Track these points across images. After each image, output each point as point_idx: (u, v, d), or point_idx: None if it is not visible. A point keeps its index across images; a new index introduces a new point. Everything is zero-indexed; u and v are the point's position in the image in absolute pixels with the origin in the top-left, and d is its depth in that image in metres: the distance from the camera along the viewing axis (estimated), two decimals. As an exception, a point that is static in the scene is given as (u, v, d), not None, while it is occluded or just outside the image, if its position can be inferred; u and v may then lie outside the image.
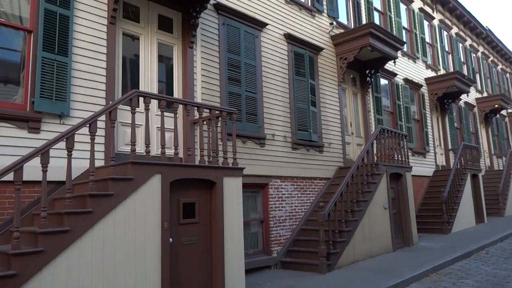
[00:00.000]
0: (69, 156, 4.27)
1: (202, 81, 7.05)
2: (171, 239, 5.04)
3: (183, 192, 5.34)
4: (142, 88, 6.36)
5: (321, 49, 9.82)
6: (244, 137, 7.61)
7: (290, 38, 9.00)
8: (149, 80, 6.47)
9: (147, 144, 4.96)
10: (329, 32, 10.30)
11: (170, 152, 6.36)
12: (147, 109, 5.00)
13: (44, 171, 4.05)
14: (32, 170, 4.73)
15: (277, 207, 8.10)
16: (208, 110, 5.88)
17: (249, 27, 8.12)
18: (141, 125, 6.24)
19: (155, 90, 6.51)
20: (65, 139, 4.26)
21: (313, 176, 9.05)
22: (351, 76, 11.20)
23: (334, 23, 10.35)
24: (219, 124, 6.56)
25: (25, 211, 4.82)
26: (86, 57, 5.62)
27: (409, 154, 12.47)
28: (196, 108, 5.80)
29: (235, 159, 5.99)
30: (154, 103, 6.42)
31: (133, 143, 4.83)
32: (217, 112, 5.96)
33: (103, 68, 5.78)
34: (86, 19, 5.68)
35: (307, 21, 9.70)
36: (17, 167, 3.87)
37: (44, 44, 5.16)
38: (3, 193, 4.72)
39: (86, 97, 5.55)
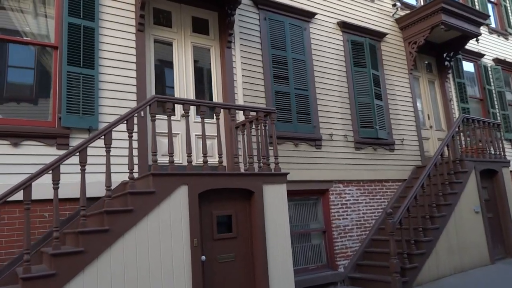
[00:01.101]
0: (83, 171, 3.99)
1: (243, 82, 6.51)
2: (204, 257, 4.51)
3: (217, 204, 4.80)
4: (177, 95, 6.02)
5: (383, 35, 8.70)
6: (296, 139, 6.88)
7: (345, 26, 8.08)
8: (184, 86, 6.11)
9: (171, 153, 4.52)
10: (393, 15, 9.12)
11: (213, 160, 5.91)
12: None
13: (55, 189, 3.80)
14: (67, 187, 4.57)
15: (341, 215, 7.18)
16: (243, 112, 5.30)
17: (295, 19, 7.42)
18: (178, 133, 5.88)
19: (191, 96, 6.13)
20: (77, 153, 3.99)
21: (384, 178, 7.93)
22: (425, 62, 9.81)
23: (398, 3, 9.14)
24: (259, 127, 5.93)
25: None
26: (114, 68, 5.42)
27: (508, 146, 10.54)
28: (227, 110, 5.27)
29: (277, 164, 5.31)
30: (191, 110, 6.03)
31: (154, 153, 4.43)
32: (253, 113, 5.36)
33: (132, 77, 5.54)
34: (112, 29, 5.50)
35: (364, 6, 8.67)
36: (25, 185, 3.67)
37: (69, 58, 5.05)
38: (34, 212, 4.62)
39: (116, 108, 5.33)
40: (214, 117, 6.11)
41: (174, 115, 5.90)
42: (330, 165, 7.21)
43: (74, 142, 4.97)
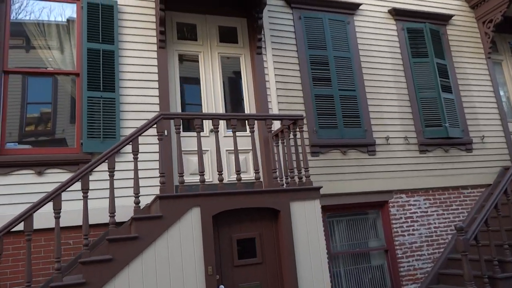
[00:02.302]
0: (85, 198, 3.83)
1: (277, 88, 5.98)
2: (222, 286, 4.05)
3: (237, 226, 4.32)
4: (205, 109, 5.71)
5: (449, 17, 7.49)
6: (344, 146, 6.11)
7: (398, 13, 7.10)
8: (212, 99, 5.78)
9: (181, 172, 4.17)
10: (460, -8, 7.84)
11: (247, 176, 5.48)
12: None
13: (57, 218, 3.68)
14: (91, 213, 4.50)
15: (406, 231, 6.16)
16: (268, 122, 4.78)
17: (336, 13, 6.70)
18: (208, 150, 5.56)
19: (220, 109, 5.78)
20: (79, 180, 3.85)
21: (460, 185, 6.69)
22: (509, 42, 8.25)
23: (465, -21, 7.84)
24: (292, 136, 5.35)
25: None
26: (136, 88, 5.31)
27: None
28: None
29: (308, 177, 4.66)
30: (220, 124, 5.68)
31: (162, 174, 4.12)
32: (278, 122, 4.81)
33: (155, 96, 5.37)
34: (132, 49, 5.42)
35: (422, -13, 7.58)
36: (26, 215, 3.60)
37: (88, 84, 5.05)
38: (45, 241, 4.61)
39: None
40: (248, 129, 5.77)
41: (203, 131, 5.58)
42: (387, 173, 6.27)
43: (97, 168, 4.91)
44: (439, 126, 6.73)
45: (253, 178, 5.67)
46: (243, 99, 5.97)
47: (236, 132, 5.63)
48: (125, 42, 5.41)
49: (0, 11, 4.95)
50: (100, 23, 5.27)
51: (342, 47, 6.54)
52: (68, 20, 5.32)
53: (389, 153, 6.38)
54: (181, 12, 5.92)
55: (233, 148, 5.64)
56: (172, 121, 5.40)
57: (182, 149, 5.45)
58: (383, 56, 6.85)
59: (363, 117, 6.35)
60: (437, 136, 6.71)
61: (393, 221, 6.12)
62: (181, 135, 5.48)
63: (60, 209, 3.72)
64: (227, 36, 6.14)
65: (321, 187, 4.62)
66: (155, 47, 5.53)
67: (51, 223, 4.45)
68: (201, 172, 4.24)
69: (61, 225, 4.51)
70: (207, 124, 5.67)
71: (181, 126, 5.16)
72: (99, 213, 4.71)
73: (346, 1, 6.74)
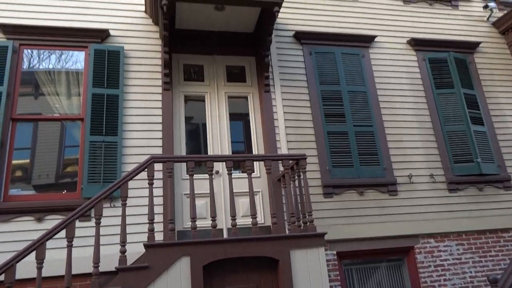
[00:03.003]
0: (69, 247, 3.69)
1: (286, 126, 5.73)
2: None
3: (231, 278, 3.98)
4: (211, 150, 5.54)
5: (476, 44, 7.00)
6: (361, 186, 5.66)
7: (418, 43, 6.73)
8: (218, 140, 5.62)
9: (170, 220, 3.95)
10: (488, 18, 7.34)
11: (246, 221, 5.17)
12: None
13: (39, 268, 3.55)
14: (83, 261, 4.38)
15: (436, 281, 5.49)
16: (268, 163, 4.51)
17: (349, 47, 6.45)
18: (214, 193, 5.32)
19: (227, 150, 5.58)
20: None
21: (499, 228, 5.95)
22: (549, 67, 7.55)
23: (492, 3, 7.34)
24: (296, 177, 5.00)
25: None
26: (139, 131, 5.26)
27: None
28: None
29: (311, 222, 4.28)
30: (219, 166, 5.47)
31: (151, 220, 3.92)
32: (279, 162, 4.52)
33: (158, 138, 5.29)
34: (137, 92, 5.44)
35: (444, 15, 7.19)
36: (7, 266, 3.50)
37: (92, 128, 5.07)
38: (55, 290, 4.47)
39: (142, 173, 5.08)
40: (258, 171, 5.53)
41: (213, 173, 5.39)
42: (412, 215, 5.70)
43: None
44: (470, 162, 6.12)
45: (262, 222, 5.35)
46: (251, 139, 5.76)
47: (243, 174, 5.41)
48: (130, 86, 5.44)
49: (12, 61, 5.17)
50: (106, 69, 5.36)
51: (356, 81, 6.23)
52: (76, 67, 5.45)
53: (413, 193, 5.83)
54: (189, 54, 5.93)
55: (238, 191, 5.38)
56: (179, 167, 5.28)
57: (184, 192, 5.27)
58: (403, 88, 6.44)
59: (382, 154, 5.90)
60: (468, 173, 6.08)
61: (421, 270, 5.48)
62: (182, 177, 5.33)
63: (43, 258, 3.58)
64: (235, 76, 6.05)
65: (326, 233, 4.21)
66: (160, 90, 5.52)
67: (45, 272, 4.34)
68: (193, 219, 4.00)
69: (47, 274, 4.35)
70: (215, 166, 5.46)
71: (175, 169, 4.99)
72: (110, 261, 4.50)
73: (360, 34, 6.49)
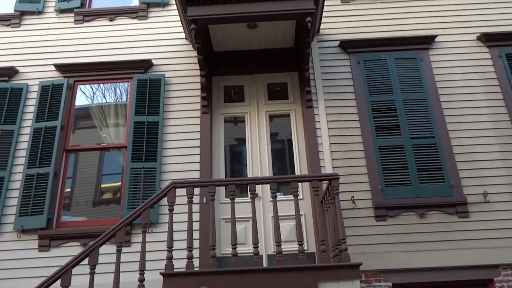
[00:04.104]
0: (92, 274, 3.73)
1: (331, 143, 5.27)
2: None
3: (254, 311, 3.65)
4: (250, 172, 5.32)
5: None
6: (421, 207, 4.91)
7: (491, 38, 5.77)
8: (258, 161, 5.37)
9: (189, 247, 3.80)
10: None
11: (287, 247, 4.79)
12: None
13: (64, 295, 3.65)
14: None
15: (526, 324, 4.44)
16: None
17: (404, 51, 5.78)
18: (250, 217, 5.07)
19: (267, 171, 5.31)
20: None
21: None
22: None
23: None
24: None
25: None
26: (178, 156, 5.28)
27: None
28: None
29: (345, 251, 3.76)
30: (265, 188, 5.20)
31: (169, 248, 3.81)
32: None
33: (196, 162, 5.24)
34: (176, 117, 5.49)
35: (525, 2, 6.10)
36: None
37: (133, 155, 5.22)
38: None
39: (179, 198, 5.05)
40: (301, 193, 5.17)
41: (251, 197, 5.19)
42: (489, 241, 4.75)
43: (135, 238, 4.90)
44: None
45: (305, 247, 4.92)
46: (293, 158, 5.41)
47: (283, 196, 5.10)
48: (170, 112, 5.52)
49: (66, 97, 5.61)
50: (147, 97, 5.53)
51: (414, 88, 5.53)
52: (122, 98, 5.73)
53: (490, 214, 4.87)
54: (229, 76, 5.86)
55: (280, 215, 5.04)
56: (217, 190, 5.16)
57: (222, 216, 5.11)
58: (473, 91, 5.54)
59: (447, 169, 5.08)
60: None
61: (504, 309, 4.50)
62: (221, 201, 5.18)
63: (68, 286, 3.67)
64: (277, 93, 5.80)
65: (361, 263, 3.66)
66: (198, 113, 5.51)
67: (84, 297, 4.47)
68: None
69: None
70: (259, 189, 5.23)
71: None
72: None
73: (417, 36, 5.79)
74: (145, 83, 5.61)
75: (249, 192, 4.02)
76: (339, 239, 3.89)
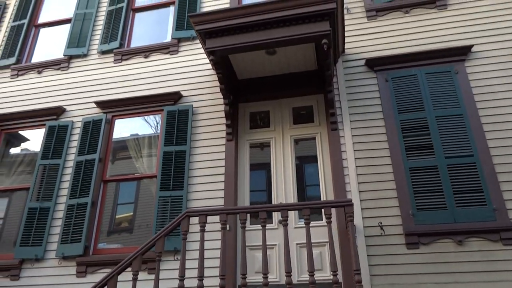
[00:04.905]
0: (109, 302, 3.90)
1: (357, 166, 5.05)
2: None
3: None
4: (275, 197, 5.25)
5: None
6: (458, 234, 4.48)
7: (538, 44, 5.23)
8: (283, 186, 5.29)
9: (200, 276, 3.81)
10: None
11: (322, 276, 4.61)
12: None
13: (84, 322, 3.84)
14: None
15: None
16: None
17: (436, 64, 5.44)
18: (276, 244, 4.98)
19: (291, 196, 5.20)
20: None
21: None
22: None
23: None
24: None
25: None
26: (203, 184, 5.38)
27: None
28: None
29: (359, 283, 3.52)
30: (290, 214, 5.09)
31: (181, 277, 3.86)
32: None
33: (221, 190, 5.30)
34: (202, 146, 5.63)
35: None
36: (60, 318, 3.89)
37: (161, 184, 5.42)
38: None
39: (195, 226, 5.12)
40: (324, 219, 5.00)
41: (272, 223, 5.12)
42: (542, 272, 4.17)
43: (164, 265, 5.02)
44: None
45: (330, 277, 4.70)
46: (318, 183, 5.25)
47: (312, 222, 4.98)
48: (197, 141, 5.68)
49: (105, 131, 6.03)
50: (176, 127, 5.75)
51: (448, 104, 5.14)
52: (154, 130, 6.02)
53: (542, 241, 4.30)
54: (254, 102, 5.92)
55: (300, 242, 4.89)
56: (238, 215, 5.17)
57: (247, 244, 5.06)
58: (518, 103, 5.02)
59: (489, 191, 4.59)
60: None
61: None
62: (246, 228, 5.15)
63: (88, 312, 3.86)
64: (302, 117, 5.72)
65: (374, 297, 3.40)
66: (224, 141, 5.60)
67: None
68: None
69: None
70: (276, 215, 5.16)
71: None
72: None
73: (451, 47, 5.41)
74: (174, 114, 5.86)
75: (277, 218, 3.97)
76: (359, 267, 3.67)
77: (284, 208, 3.92)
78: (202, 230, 4.02)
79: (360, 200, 4.86)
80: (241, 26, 4.92)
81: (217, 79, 6.09)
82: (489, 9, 5.62)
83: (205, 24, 5.02)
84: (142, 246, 4.04)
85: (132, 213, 5.58)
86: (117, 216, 5.59)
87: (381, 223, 4.69)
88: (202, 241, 3.96)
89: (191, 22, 5.17)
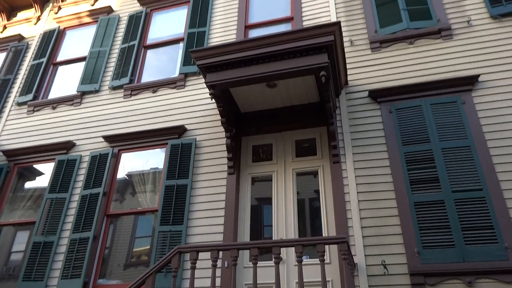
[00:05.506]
0: None
1: (359, 200, 4.87)
2: None
3: None
4: (276, 232, 5.10)
5: None
6: (467, 274, 4.18)
7: (550, 72, 5.02)
8: (283, 221, 5.15)
9: (188, 316, 3.68)
10: None
11: (309, 318, 4.38)
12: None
13: None
14: None
15: None
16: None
17: (441, 95, 5.28)
18: (273, 284, 4.79)
19: (292, 231, 5.04)
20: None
21: None
22: None
23: None
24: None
25: None
26: (203, 219, 5.31)
27: None
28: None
29: (352, 327, 3.31)
30: (290, 251, 4.92)
31: (169, 317, 3.74)
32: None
33: (220, 225, 5.21)
34: (204, 180, 5.59)
35: None
36: None
37: (161, 218, 5.38)
38: None
39: (200, 262, 5.01)
40: (328, 257, 4.81)
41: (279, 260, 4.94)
42: (562, 319, 3.80)
43: (160, 303, 4.90)
44: None
45: (332, 319, 4.45)
46: (320, 218, 5.08)
47: (309, 259, 4.82)
48: (199, 174, 5.66)
49: (110, 165, 6.12)
50: (179, 161, 5.77)
51: (455, 135, 4.95)
52: (157, 164, 6.05)
53: (561, 284, 3.94)
54: (257, 135, 5.89)
55: (306, 280, 4.68)
56: (242, 254, 5.03)
57: (245, 282, 4.89)
58: (530, 134, 4.77)
59: (500, 228, 4.30)
60: None
61: None
62: (244, 265, 4.99)
63: None
64: (304, 149, 5.63)
65: None
66: (225, 175, 5.56)
67: None
68: None
69: None
70: (285, 252, 4.98)
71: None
72: None
73: (457, 77, 5.27)
74: (177, 148, 5.89)
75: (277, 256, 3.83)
76: (349, 312, 3.45)
77: (276, 245, 3.78)
78: (193, 268, 3.91)
79: (363, 237, 4.65)
80: (239, 60, 4.97)
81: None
82: (495, 38, 5.48)
83: (205, 59, 5.10)
84: (131, 284, 3.96)
85: (134, 248, 5.53)
86: (118, 251, 5.56)
87: (384, 262, 4.45)
88: (192, 278, 3.85)
89: (192, 57, 5.27)
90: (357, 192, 4.93)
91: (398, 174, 4.91)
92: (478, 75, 5.21)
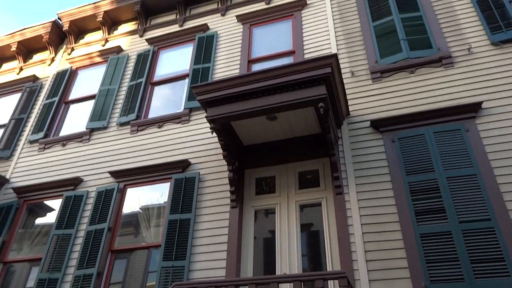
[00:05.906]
0: None
1: (363, 233, 4.74)
2: None
3: None
4: (279, 266, 4.98)
5: None
6: (480, 310, 3.96)
7: (555, 97, 4.92)
8: (287, 255, 5.04)
9: None
10: None
11: None
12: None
13: None
14: None
15: None
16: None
17: (444, 123, 5.21)
18: (278, 320, 4.63)
19: (296, 265, 4.91)
20: None
21: None
22: None
23: None
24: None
25: None
26: (205, 253, 5.24)
27: None
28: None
29: None
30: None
31: None
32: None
33: (223, 259, 5.12)
34: (207, 214, 5.57)
35: None
36: None
37: (164, 254, 5.34)
38: None
39: (204, 298, 4.91)
40: (333, 290, 4.66)
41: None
42: None
43: None
44: None
45: None
46: (324, 251, 4.95)
47: (309, 296, 4.65)
48: (202, 208, 5.64)
49: (116, 200, 6.16)
50: (182, 195, 5.77)
51: (460, 164, 4.84)
52: (162, 199, 6.07)
53: None
54: (260, 168, 5.87)
55: (309, 317, 4.52)
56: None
57: (247, 319, 4.74)
58: (539, 161, 4.62)
59: (511, 260, 4.11)
60: None
61: None
62: (246, 302, 4.86)
63: None
64: (308, 181, 5.58)
65: None
66: (228, 208, 5.52)
67: None
68: None
69: None
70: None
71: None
72: None
73: (460, 105, 5.21)
74: (181, 182, 5.91)
75: (249, 294, 3.74)
76: None
77: (274, 281, 3.69)
78: (190, 305, 3.83)
79: (368, 271, 4.50)
80: (238, 95, 5.04)
81: (223, 146, 6.17)
82: (497, 65, 5.44)
83: (205, 94, 5.20)
84: (129, 322, 3.89)
85: (138, 284, 5.47)
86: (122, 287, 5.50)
87: (390, 297, 4.27)
88: (190, 317, 3.76)
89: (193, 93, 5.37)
90: (361, 224, 4.82)
91: (402, 205, 4.79)
92: (481, 102, 5.14)
